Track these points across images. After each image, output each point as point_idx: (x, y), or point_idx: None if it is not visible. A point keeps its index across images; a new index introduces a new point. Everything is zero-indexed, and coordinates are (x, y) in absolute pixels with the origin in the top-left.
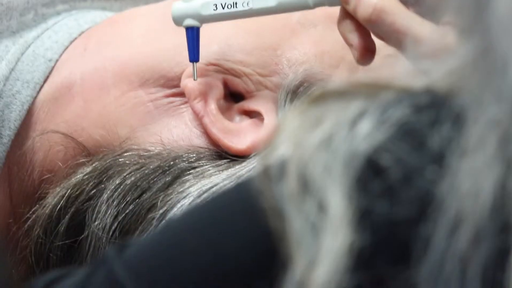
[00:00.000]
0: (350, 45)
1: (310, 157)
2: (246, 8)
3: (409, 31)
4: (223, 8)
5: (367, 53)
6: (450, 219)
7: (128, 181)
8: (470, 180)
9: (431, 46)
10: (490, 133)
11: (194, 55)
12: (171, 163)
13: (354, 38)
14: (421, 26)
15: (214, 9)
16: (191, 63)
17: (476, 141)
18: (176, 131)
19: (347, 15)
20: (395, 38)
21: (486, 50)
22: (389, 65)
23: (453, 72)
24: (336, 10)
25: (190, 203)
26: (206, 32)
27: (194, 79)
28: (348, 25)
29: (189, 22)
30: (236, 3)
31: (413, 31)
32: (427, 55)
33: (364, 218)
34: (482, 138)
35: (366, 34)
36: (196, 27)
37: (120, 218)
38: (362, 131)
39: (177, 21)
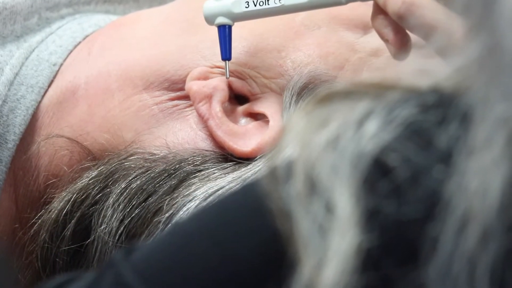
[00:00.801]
0: (386, 40)
1: (317, 157)
2: (278, 4)
3: (439, 24)
4: (255, 6)
5: (402, 47)
6: (458, 218)
7: (134, 185)
8: (477, 179)
9: (458, 40)
10: (498, 131)
11: (226, 54)
12: (177, 166)
13: (389, 33)
14: (450, 19)
15: (246, 7)
16: (195, 67)
17: (484, 139)
18: (181, 134)
19: (380, 10)
20: (425, 32)
21: (494, 48)
22: (395, 65)
23: (460, 70)
24: (339, 11)
25: (196, 206)
26: (211, 35)
27: (227, 77)
28: (382, 20)
29: (221, 20)
30: (268, 0)
31: (442, 24)
32: (455, 49)
33: (372, 218)
34: (489, 136)
35: (401, 29)
36: (228, 25)
37: (126, 222)
38: (369, 131)
39: (209, 19)
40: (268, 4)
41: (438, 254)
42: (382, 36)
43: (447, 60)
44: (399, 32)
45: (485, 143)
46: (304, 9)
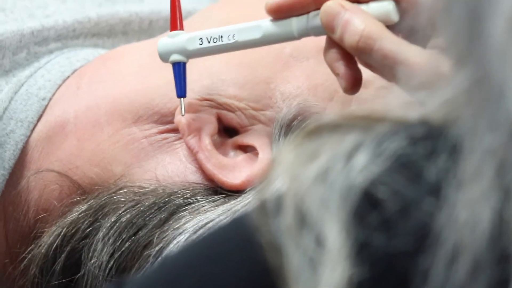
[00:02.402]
0: (336, 74)
1: (306, 191)
2: (232, 41)
3: (398, 57)
4: (209, 42)
5: (354, 82)
6: (448, 250)
7: (124, 219)
8: (467, 211)
9: (422, 72)
10: (487, 162)
11: (181, 91)
12: (167, 199)
13: (340, 67)
14: (409, 51)
15: (200, 44)
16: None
17: (473, 171)
18: (171, 167)
19: (333, 44)
20: (384, 65)
21: (482, 79)
22: (383, 96)
23: (448, 102)
24: None
25: (186, 239)
26: (199, 67)
27: (182, 115)
28: (334, 54)
29: (176, 57)
30: (221, 37)
31: (401, 56)
32: (420, 82)
33: (362, 251)
34: (478, 168)
35: (353, 63)
36: (182, 62)
37: (116, 255)
38: (358, 164)
39: (163, 57)
40: (222, 41)
41: (429, 287)
42: (333, 70)
43: (412, 95)
44: (351, 66)
45: (474, 175)
46: (257, 45)
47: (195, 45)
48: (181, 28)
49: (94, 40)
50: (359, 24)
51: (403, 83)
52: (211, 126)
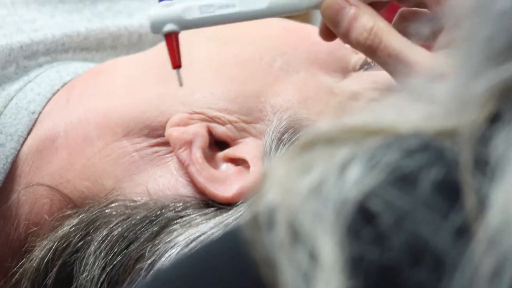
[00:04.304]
0: None
1: (299, 204)
2: (234, 11)
3: (401, 56)
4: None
5: None
6: (442, 262)
7: (115, 232)
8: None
9: (423, 73)
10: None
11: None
12: (158, 213)
13: None
14: (412, 51)
15: (199, 14)
16: (174, 113)
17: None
18: (162, 181)
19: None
20: (387, 63)
21: None
22: (375, 109)
23: (440, 112)
24: (318, 56)
25: (178, 253)
26: (189, 81)
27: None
28: None
29: (170, 27)
30: (222, 6)
31: (404, 56)
32: (419, 84)
33: (356, 265)
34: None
35: None
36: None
37: (108, 269)
38: (352, 177)
39: (157, 26)
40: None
41: None
42: None
43: (420, 99)
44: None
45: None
46: (261, 17)
47: (193, 15)
48: None
49: (83, 54)
50: (368, 21)
51: (403, 83)
52: (202, 139)
